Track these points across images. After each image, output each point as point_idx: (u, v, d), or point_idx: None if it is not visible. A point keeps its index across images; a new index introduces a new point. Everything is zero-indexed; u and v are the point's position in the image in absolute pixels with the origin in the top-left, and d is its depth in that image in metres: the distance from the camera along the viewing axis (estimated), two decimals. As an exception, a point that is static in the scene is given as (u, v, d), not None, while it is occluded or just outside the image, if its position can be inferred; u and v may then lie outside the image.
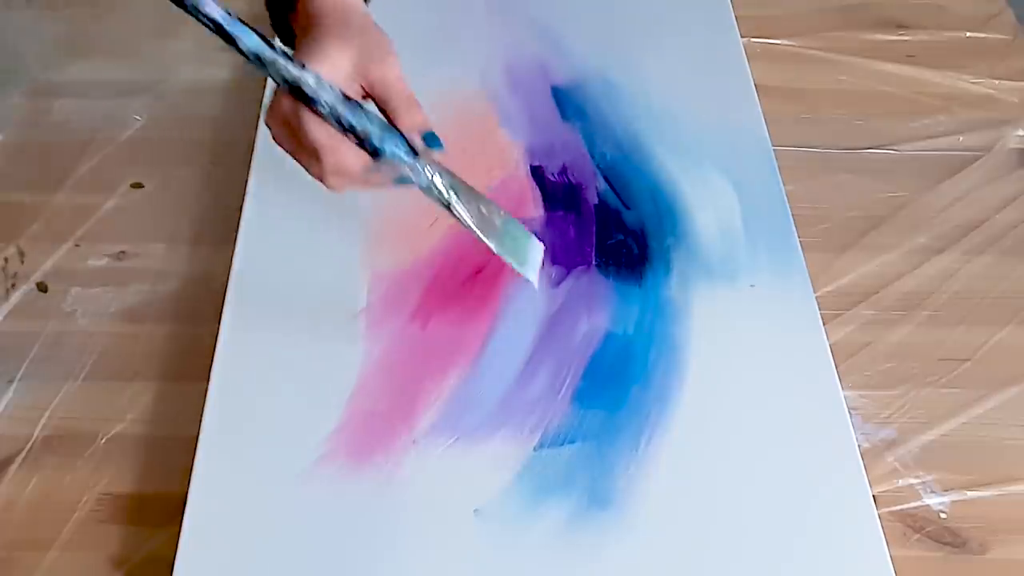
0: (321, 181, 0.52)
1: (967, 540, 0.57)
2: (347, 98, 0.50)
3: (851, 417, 0.61)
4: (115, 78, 0.82)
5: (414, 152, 0.51)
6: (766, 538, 0.55)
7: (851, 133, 0.81)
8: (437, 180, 0.53)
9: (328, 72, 0.50)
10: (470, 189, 0.55)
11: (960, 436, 0.62)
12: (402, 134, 0.51)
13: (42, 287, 0.68)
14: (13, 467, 0.59)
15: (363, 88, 0.52)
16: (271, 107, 0.52)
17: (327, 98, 0.49)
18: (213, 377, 0.60)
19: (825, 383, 0.62)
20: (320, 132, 0.50)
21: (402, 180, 0.52)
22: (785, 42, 0.88)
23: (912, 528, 0.58)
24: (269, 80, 0.50)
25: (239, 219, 0.69)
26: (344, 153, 0.50)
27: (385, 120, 0.52)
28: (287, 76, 0.48)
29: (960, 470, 0.60)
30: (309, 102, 0.49)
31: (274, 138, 0.53)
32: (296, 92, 0.49)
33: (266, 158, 0.71)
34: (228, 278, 0.65)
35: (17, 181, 0.75)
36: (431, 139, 0.52)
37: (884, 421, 0.62)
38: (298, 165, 0.52)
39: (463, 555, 0.54)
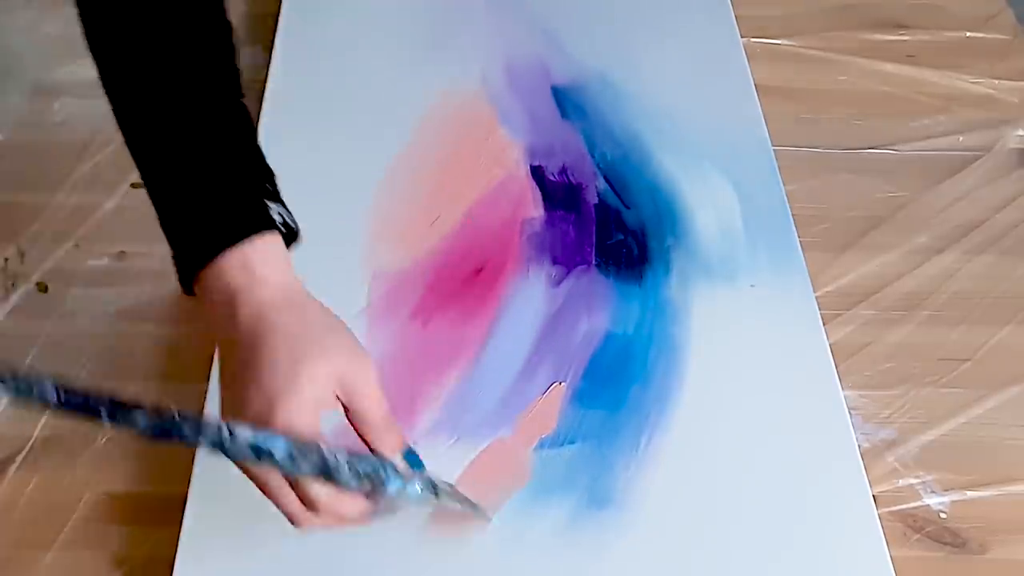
0: (296, 521, 0.46)
1: (967, 540, 0.57)
2: (352, 454, 0.45)
3: (851, 417, 0.61)
4: (115, 78, 0.82)
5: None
6: (766, 538, 0.55)
7: (851, 133, 0.81)
8: (420, 488, 0.48)
9: (309, 395, 0.44)
10: (448, 486, 0.51)
11: (960, 436, 0.62)
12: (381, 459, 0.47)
13: (42, 287, 0.68)
14: (13, 467, 0.59)
15: (338, 398, 0.46)
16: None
17: (344, 477, 0.44)
18: (213, 377, 0.60)
19: (825, 383, 0.62)
20: (321, 491, 0.45)
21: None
22: (785, 42, 0.88)
23: (912, 528, 0.58)
24: None
25: (239, 219, 0.69)
26: (345, 505, 0.46)
27: (370, 454, 0.47)
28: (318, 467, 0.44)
29: (960, 470, 0.60)
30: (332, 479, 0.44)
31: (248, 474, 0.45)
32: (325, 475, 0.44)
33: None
34: (228, 278, 0.65)
35: (17, 181, 0.75)
36: (411, 458, 0.48)
37: (884, 421, 0.62)
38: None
39: (463, 555, 0.54)
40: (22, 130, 0.78)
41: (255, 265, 0.46)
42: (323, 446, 0.44)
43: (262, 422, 0.43)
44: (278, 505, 0.45)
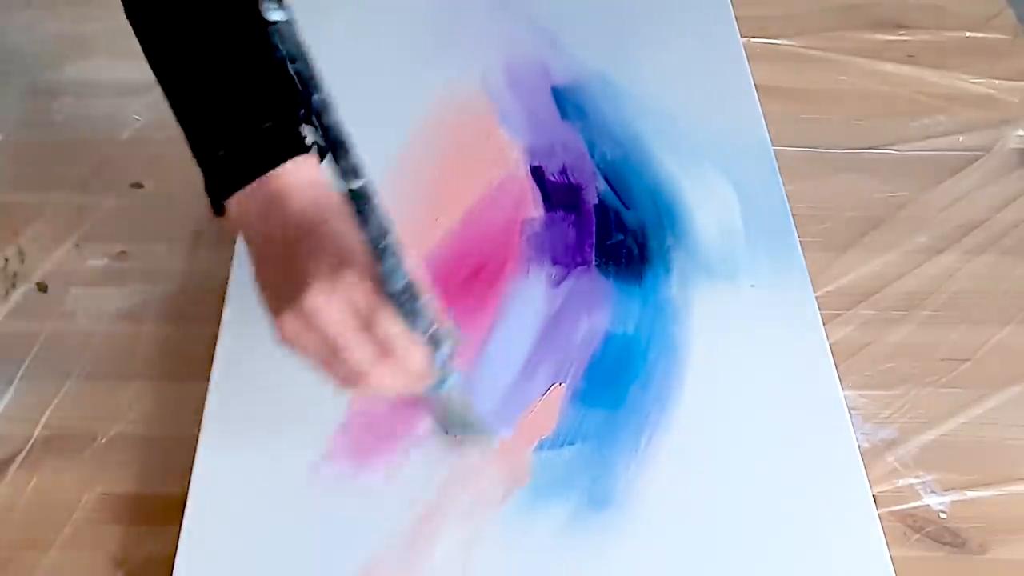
0: (357, 382, 0.46)
1: (967, 540, 0.57)
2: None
3: (851, 417, 0.61)
4: (115, 78, 0.82)
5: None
6: (766, 538, 0.55)
7: (851, 133, 0.81)
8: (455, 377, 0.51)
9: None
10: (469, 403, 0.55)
11: (960, 436, 0.62)
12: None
13: (42, 287, 0.68)
14: (13, 467, 0.59)
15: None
16: (328, 287, 0.45)
17: (423, 317, 0.46)
18: (213, 377, 0.60)
19: (825, 383, 0.62)
20: (394, 323, 0.46)
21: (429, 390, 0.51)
22: (785, 42, 0.88)
23: (912, 528, 0.58)
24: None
25: (239, 219, 0.69)
26: (413, 354, 0.47)
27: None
28: (377, 245, 0.44)
29: (960, 470, 0.60)
30: (387, 287, 0.45)
31: (294, 335, 0.46)
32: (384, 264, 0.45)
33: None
34: (228, 278, 0.65)
35: (17, 181, 0.75)
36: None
37: (884, 421, 0.62)
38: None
39: (463, 556, 0.54)
40: (22, 130, 0.78)
41: (292, 179, 0.49)
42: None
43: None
44: (344, 354, 0.45)
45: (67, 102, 0.80)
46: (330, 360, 0.46)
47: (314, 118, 0.42)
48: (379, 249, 0.44)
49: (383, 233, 0.44)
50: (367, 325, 0.45)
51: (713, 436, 0.59)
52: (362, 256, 0.46)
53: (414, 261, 0.46)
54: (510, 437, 0.59)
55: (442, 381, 0.50)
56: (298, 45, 0.41)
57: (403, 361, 0.46)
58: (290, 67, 0.41)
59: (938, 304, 0.69)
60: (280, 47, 0.41)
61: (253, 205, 0.49)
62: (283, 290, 0.46)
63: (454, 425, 0.58)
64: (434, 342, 0.48)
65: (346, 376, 0.46)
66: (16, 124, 0.79)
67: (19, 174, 0.75)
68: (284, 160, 0.49)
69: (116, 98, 0.81)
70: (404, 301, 0.46)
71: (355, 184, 0.43)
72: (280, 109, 0.50)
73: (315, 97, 0.42)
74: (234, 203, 0.49)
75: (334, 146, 0.43)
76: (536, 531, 0.55)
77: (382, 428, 0.59)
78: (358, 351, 0.45)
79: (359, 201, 0.43)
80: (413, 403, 0.55)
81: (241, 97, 0.51)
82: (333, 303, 0.45)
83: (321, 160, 0.50)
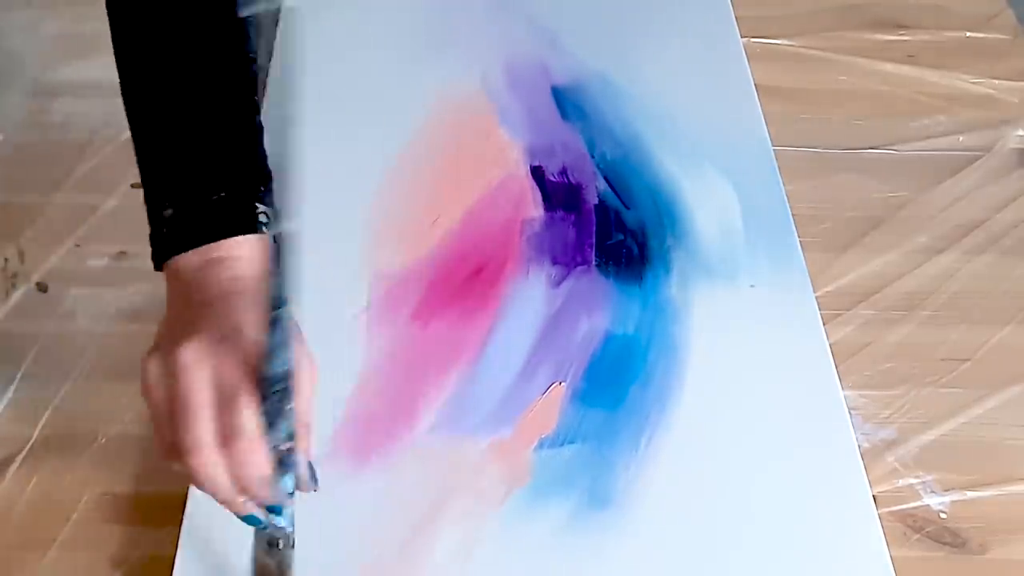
0: (183, 456, 0.42)
1: (967, 540, 0.57)
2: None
3: (851, 417, 0.61)
4: (115, 78, 0.82)
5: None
6: (766, 538, 0.55)
7: (851, 133, 0.81)
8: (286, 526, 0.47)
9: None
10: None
11: (960, 436, 0.62)
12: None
13: (42, 287, 0.68)
14: (13, 467, 0.59)
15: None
16: (206, 350, 0.42)
17: (285, 423, 0.42)
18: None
19: (825, 383, 0.62)
20: (253, 417, 0.42)
21: (254, 518, 0.46)
22: (785, 42, 0.88)
23: (912, 528, 0.58)
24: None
25: (239, 219, 0.69)
26: (260, 456, 0.43)
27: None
28: (274, 311, 0.42)
29: (960, 470, 0.60)
30: (265, 366, 0.42)
31: (151, 381, 0.43)
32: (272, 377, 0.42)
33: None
34: (228, 278, 0.65)
35: (17, 181, 0.75)
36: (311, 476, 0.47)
37: (884, 421, 0.62)
38: None
39: (463, 555, 0.54)
40: (22, 130, 0.78)
41: (233, 252, 0.47)
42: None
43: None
44: (184, 421, 0.42)
45: (67, 102, 0.80)
46: (168, 421, 0.43)
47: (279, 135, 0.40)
48: (273, 316, 0.42)
49: (283, 300, 0.42)
50: (224, 405, 0.42)
51: (713, 436, 0.59)
52: (256, 344, 0.43)
53: (305, 381, 0.44)
54: (510, 437, 0.59)
55: (271, 510, 0.45)
56: (286, 47, 0.40)
57: (240, 458, 0.42)
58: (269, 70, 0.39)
59: (938, 304, 0.69)
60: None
61: (189, 266, 0.47)
62: (168, 337, 0.44)
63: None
64: (283, 464, 0.44)
65: (174, 446, 0.42)
66: (16, 124, 0.79)
67: (19, 174, 0.75)
68: (230, 235, 0.47)
69: (116, 98, 0.80)
70: (274, 394, 0.42)
71: (284, 226, 0.41)
72: (238, 182, 0.49)
73: (284, 111, 0.40)
74: (173, 262, 0.47)
75: (272, 177, 0.41)
76: (536, 531, 0.55)
77: (382, 427, 0.59)
78: (200, 425, 0.42)
79: (282, 248, 0.42)
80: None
81: (202, 162, 0.49)
82: (202, 367, 0.42)
83: (274, 241, 0.48)
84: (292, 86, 0.39)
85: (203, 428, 0.42)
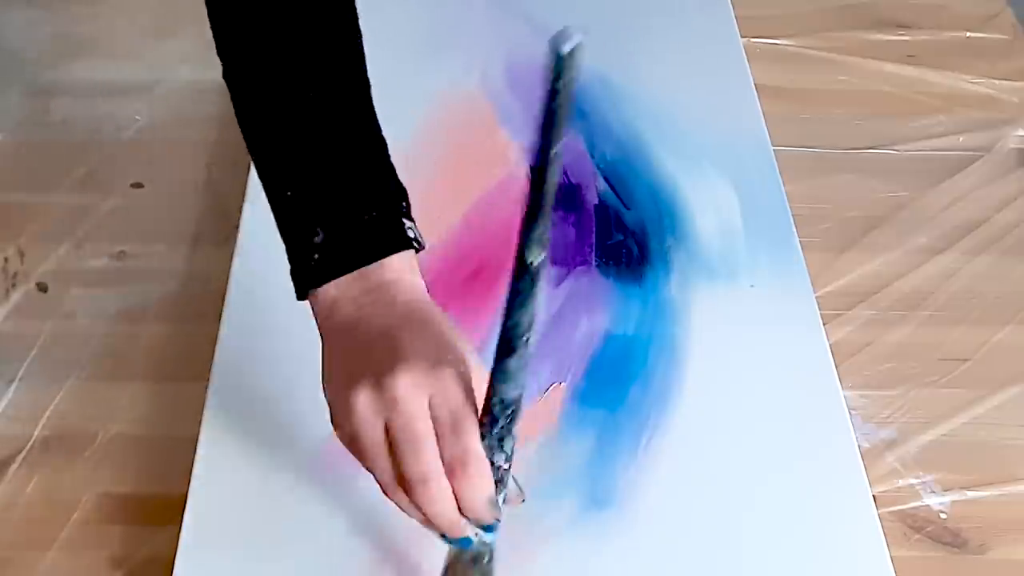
0: (414, 490, 0.41)
1: (967, 540, 0.57)
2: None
3: (851, 417, 0.61)
4: (115, 78, 0.83)
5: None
6: (766, 538, 0.55)
7: (851, 133, 0.81)
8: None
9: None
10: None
11: (960, 436, 0.62)
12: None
13: (42, 287, 0.68)
14: (13, 467, 0.59)
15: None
16: (422, 376, 0.41)
17: (515, 395, 0.41)
18: (213, 377, 0.60)
19: (825, 383, 0.62)
20: (479, 442, 0.41)
21: (467, 540, 0.44)
22: (785, 42, 0.88)
23: (912, 528, 0.58)
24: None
25: (239, 219, 0.69)
26: (489, 480, 0.42)
27: None
28: (518, 339, 0.40)
29: (960, 470, 0.60)
30: (500, 391, 0.41)
31: (363, 416, 0.42)
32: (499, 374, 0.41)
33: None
34: (228, 278, 0.65)
35: (17, 181, 0.75)
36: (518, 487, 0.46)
37: (884, 421, 0.62)
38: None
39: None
40: (22, 130, 0.79)
41: (393, 274, 0.46)
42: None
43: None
44: (412, 455, 0.41)
45: (67, 102, 0.80)
46: (387, 457, 0.42)
47: (538, 169, 0.39)
48: (515, 343, 0.41)
49: (528, 328, 0.40)
50: (448, 431, 0.41)
51: (713, 436, 0.59)
52: (462, 361, 0.42)
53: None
54: None
55: (487, 529, 0.44)
56: (570, 84, 0.38)
57: (472, 483, 0.41)
58: (552, 102, 0.38)
59: (938, 304, 0.69)
60: (557, 79, 0.38)
61: (348, 290, 0.45)
62: (366, 369, 0.42)
63: None
64: (500, 483, 0.43)
65: (403, 480, 0.41)
66: (16, 124, 0.79)
67: (19, 174, 0.75)
68: (388, 254, 0.46)
69: (116, 98, 0.81)
70: (503, 417, 0.42)
71: (537, 258, 0.40)
72: (384, 200, 0.48)
73: (553, 149, 0.38)
74: (326, 287, 0.46)
75: (540, 207, 0.39)
76: (536, 531, 0.55)
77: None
78: (429, 453, 0.40)
79: (529, 279, 0.40)
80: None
81: (345, 183, 0.47)
82: (421, 394, 0.41)
83: (417, 252, 0.48)
84: (564, 122, 0.38)
85: (431, 458, 0.41)
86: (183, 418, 0.59)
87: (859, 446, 0.59)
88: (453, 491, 0.41)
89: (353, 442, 0.43)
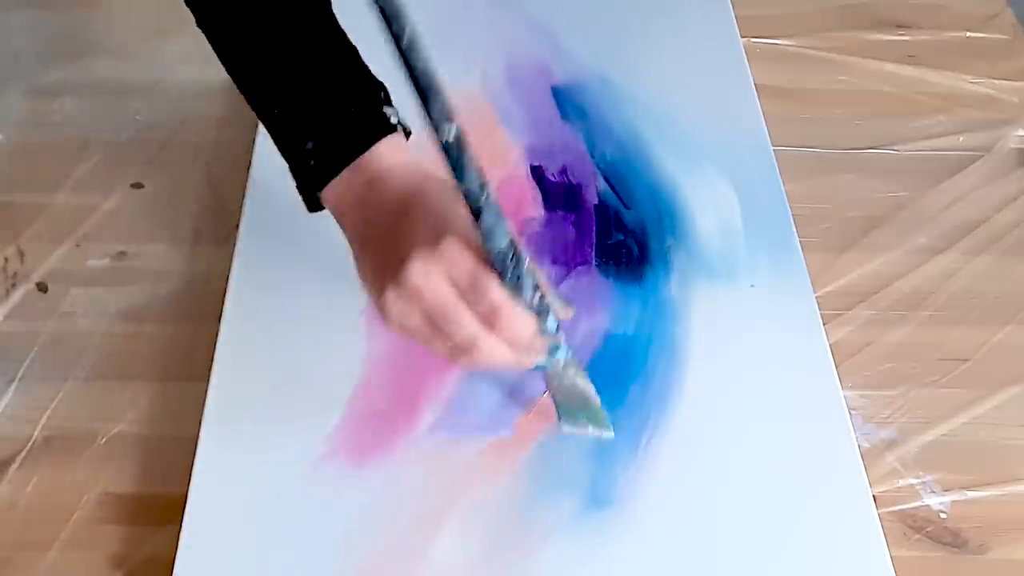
0: (466, 355, 0.46)
1: (967, 540, 0.57)
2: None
3: (851, 417, 0.61)
4: (115, 78, 0.82)
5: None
6: (766, 538, 0.55)
7: (851, 133, 0.81)
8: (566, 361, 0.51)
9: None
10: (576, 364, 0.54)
11: (960, 436, 0.62)
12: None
13: (42, 287, 0.68)
14: (13, 467, 0.59)
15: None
16: (428, 259, 0.44)
17: (528, 283, 0.45)
18: (213, 377, 0.60)
19: (825, 383, 0.62)
20: (500, 291, 0.44)
21: (540, 365, 0.50)
22: (785, 42, 0.88)
23: (912, 528, 0.58)
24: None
25: (239, 219, 0.69)
26: (524, 319, 0.46)
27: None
28: (476, 201, 0.43)
29: (960, 470, 0.60)
30: (489, 246, 0.44)
31: (401, 312, 0.45)
32: (487, 233, 0.44)
33: (266, 158, 0.71)
34: (228, 278, 0.65)
35: (17, 181, 0.75)
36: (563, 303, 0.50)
37: (884, 421, 0.62)
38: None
39: (463, 555, 0.54)
40: (22, 130, 0.78)
41: (385, 161, 0.49)
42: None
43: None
44: (450, 327, 0.45)
45: (67, 102, 0.80)
46: (437, 334, 0.45)
47: (402, 59, 0.41)
48: (478, 204, 0.43)
49: (481, 186, 0.43)
50: (471, 294, 0.44)
51: (713, 436, 0.59)
52: (463, 223, 0.45)
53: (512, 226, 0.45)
54: (510, 437, 0.59)
55: (552, 351, 0.49)
56: None
57: (511, 331, 0.45)
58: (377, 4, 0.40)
59: (938, 304, 0.69)
60: None
61: (350, 192, 0.49)
62: (385, 268, 0.46)
63: (574, 404, 0.56)
64: (540, 311, 0.47)
65: (454, 349, 0.46)
66: (16, 124, 0.79)
67: (19, 174, 0.75)
68: (374, 142, 0.49)
69: (116, 98, 0.81)
70: (508, 264, 0.45)
71: (449, 132, 0.42)
72: (362, 92, 0.51)
73: (403, 36, 0.41)
74: (330, 193, 0.50)
75: (424, 90, 0.41)
76: (536, 531, 0.55)
77: (382, 427, 0.59)
78: (464, 322, 0.45)
79: (453, 151, 0.43)
80: (421, 394, 0.54)
81: (322, 86, 0.51)
82: (434, 274, 0.44)
83: (407, 137, 0.51)
84: (400, 8, 0.41)
85: (469, 324, 0.45)
86: (183, 418, 0.59)
87: (859, 446, 0.59)
88: (501, 339, 0.45)
89: (403, 333, 0.46)
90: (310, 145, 0.50)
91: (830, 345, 0.64)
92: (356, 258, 0.49)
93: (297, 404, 0.59)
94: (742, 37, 0.86)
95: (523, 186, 0.72)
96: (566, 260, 0.68)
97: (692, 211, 0.71)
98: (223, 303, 0.64)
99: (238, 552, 0.54)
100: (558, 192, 0.72)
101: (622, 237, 0.70)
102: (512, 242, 0.45)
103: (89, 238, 0.71)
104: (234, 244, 0.67)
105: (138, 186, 0.74)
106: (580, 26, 0.85)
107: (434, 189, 0.48)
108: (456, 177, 0.43)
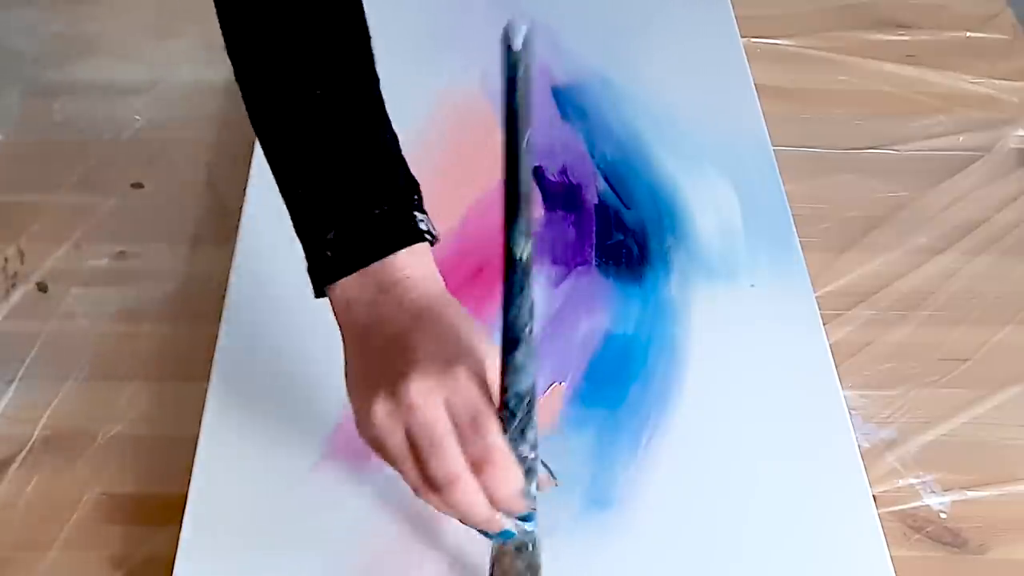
0: (442, 489, 0.42)
1: (967, 540, 0.57)
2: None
3: (851, 417, 0.61)
4: (115, 78, 0.83)
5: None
6: (766, 538, 0.55)
7: (851, 133, 0.81)
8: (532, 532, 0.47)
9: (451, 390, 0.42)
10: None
11: (960, 436, 0.62)
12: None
13: (42, 287, 0.68)
14: (13, 467, 0.59)
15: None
16: (435, 380, 0.42)
17: (530, 436, 0.43)
18: (213, 377, 0.60)
19: (825, 383, 0.62)
20: (500, 436, 0.42)
21: (508, 532, 0.46)
22: (785, 42, 0.88)
23: (912, 528, 0.58)
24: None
25: (239, 219, 0.69)
26: (517, 471, 0.43)
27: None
28: (519, 332, 0.41)
29: (960, 470, 0.60)
30: (510, 383, 0.42)
31: (383, 425, 0.42)
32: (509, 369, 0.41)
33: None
34: (228, 278, 0.65)
35: (17, 181, 0.75)
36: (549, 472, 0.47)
37: (884, 421, 0.62)
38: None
39: (463, 555, 0.54)
40: (22, 130, 0.79)
41: (406, 270, 0.46)
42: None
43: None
44: (435, 457, 0.41)
45: (67, 102, 0.80)
46: (415, 460, 0.42)
47: (512, 159, 0.39)
48: (518, 336, 0.41)
49: (528, 318, 0.41)
50: (469, 430, 0.42)
51: (713, 436, 0.59)
52: (477, 355, 0.43)
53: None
54: None
55: (524, 519, 0.46)
56: (526, 75, 0.38)
57: (498, 481, 0.42)
58: (510, 96, 0.38)
59: (938, 304, 0.69)
60: (511, 71, 0.38)
61: (362, 291, 0.46)
62: (382, 377, 0.43)
63: None
64: (528, 472, 0.44)
65: (430, 481, 0.42)
66: (16, 124, 0.79)
67: (19, 174, 0.75)
68: (399, 248, 0.46)
69: (116, 98, 0.81)
70: (520, 410, 0.42)
71: (524, 249, 0.39)
72: (395, 194, 0.48)
73: (524, 138, 0.39)
74: (341, 287, 0.46)
75: (518, 198, 0.39)
76: (536, 531, 0.55)
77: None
78: (450, 455, 0.41)
79: (519, 269, 0.40)
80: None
81: (354, 177, 0.47)
82: (435, 396, 0.42)
83: (432, 244, 0.48)
84: (529, 113, 0.39)
85: (454, 459, 0.42)
86: (183, 418, 0.59)
87: (859, 446, 0.59)
88: (483, 487, 0.42)
89: (379, 449, 0.44)
90: (331, 235, 0.46)
91: (830, 345, 0.64)
92: (348, 360, 0.47)
93: (297, 404, 0.59)
94: (742, 37, 0.86)
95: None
96: (566, 260, 0.68)
97: (692, 211, 0.71)
98: (223, 303, 0.64)
99: (238, 552, 0.54)
100: (558, 192, 0.72)
101: (622, 237, 0.70)
102: (532, 388, 0.42)
103: (89, 238, 0.71)
104: (234, 244, 0.67)
105: (138, 186, 0.74)
106: (580, 26, 0.85)
107: (452, 310, 0.45)
108: (511, 297, 0.40)
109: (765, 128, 0.77)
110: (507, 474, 0.42)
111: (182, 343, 0.64)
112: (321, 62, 0.48)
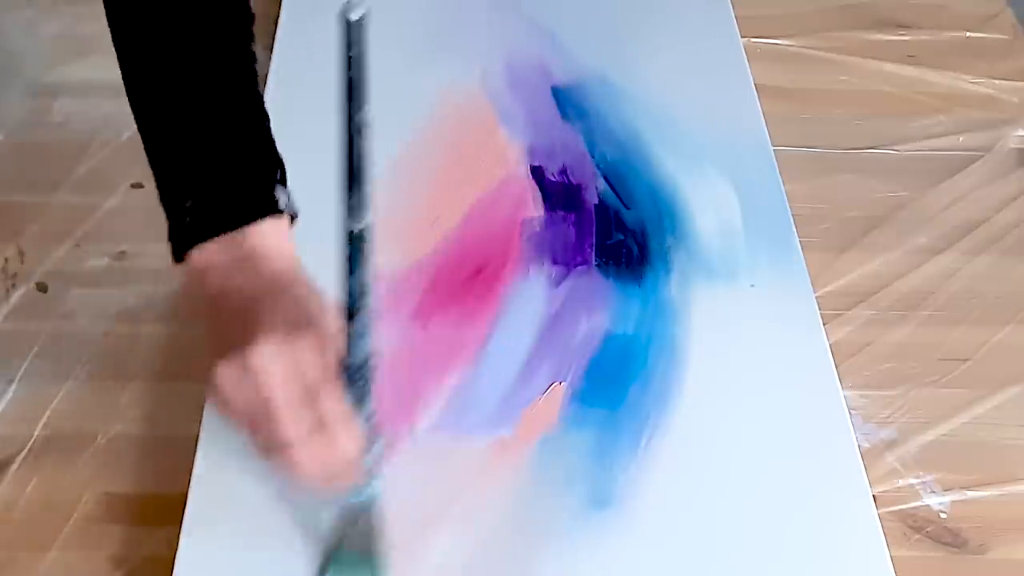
0: (281, 453, 0.43)
1: (967, 540, 0.57)
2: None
3: (851, 417, 0.61)
4: (115, 78, 0.81)
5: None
6: (766, 538, 0.55)
7: (851, 133, 0.81)
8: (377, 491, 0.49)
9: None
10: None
11: (960, 436, 0.62)
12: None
13: (42, 287, 0.68)
14: (13, 467, 0.59)
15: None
16: (279, 346, 0.43)
17: (366, 397, 0.45)
18: (213, 377, 0.60)
19: (825, 383, 0.62)
20: (340, 402, 0.43)
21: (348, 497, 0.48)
22: (785, 42, 0.88)
23: (912, 528, 0.58)
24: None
25: (239, 219, 0.69)
26: (355, 437, 0.44)
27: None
28: (356, 301, 0.43)
29: (960, 470, 0.60)
30: (349, 350, 0.44)
31: (228, 390, 0.43)
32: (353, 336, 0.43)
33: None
34: (228, 278, 0.65)
35: (17, 181, 0.75)
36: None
37: (884, 421, 0.62)
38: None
39: (463, 555, 0.54)
40: (22, 130, 0.78)
41: (263, 241, 0.47)
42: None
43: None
44: (275, 422, 0.42)
45: (67, 102, 0.80)
46: (258, 424, 0.43)
47: (347, 135, 0.40)
48: (356, 305, 0.43)
49: (365, 290, 0.42)
50: (310, 397, 0.43)
51: (713, 436, 0.59)
52: (324, 329, 0.44)
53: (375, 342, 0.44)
54: (510, 437, 0.59)
55: (366, 484, 0.48)
56: (363, 52, 0.39)
57: (338, 442, 0.43)
58: (348, 72, 0.39)
59: (938, 304, 0.69)
60: (350, 48, 0.39)
61: (218, 259, 0.47)
62: (228, 343, 0.43)
63: (356, 552, 0.52)
64: (369, 437, 0.46)
65: (269, 445, 0.43)
66: (16, 124, 0.79)
67: (19, 174, 0.75)
68: (257, 219, 0.47)
69: (116, 98, 0.80)
70: (359, 377, 0.44)
71: (359, 224, 0.41)
72: (258, 166, 0.49)
73: (359, 114, 0.40)
74: (198, 254, 0.47)
75: (354, 175, 0.41)
76: (536, 531, 0.55)
77: (382, 427, 0.58)
78: (292, 420, 0.43)
79: (358, 242, 0.42)
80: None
81: (219, 147, 0.49)
82: (279, 363, 0.42)
83: (292, 223, 0.50)
84: (364, 89, 0.40)
85: (294, 424, 0.43)
86: (183, 418, 0.59)
87: (859, 446, 0.59)
88: (322, 451, 0.43)
89: (224, 413, 0.45)
90: (189, 203, 0.48)
91: (830, 345, 0.64)
92: (206, 325, 0.47)
93: (297, 404, 0.59)
94: (742, 37, 0.86)
95: (523, 186, 0.72)
96: (566, 260, 0.68)
97: (692, 211, 0.71)
98: (223, 303, 0.64)
99: (238, 552, 0.54)
100: (558, 192, 0.72)
101: (622, 237, 0.70)
102: (369, 358, 0.44)
103: (89, 238, 0.71)
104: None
105: (138, 186, 0.74)
106: (580, 26, 0.85)
107: (302, 283, 0.47)
108: (350, 269, 0.42)
109: (765, 128, 0.77)
110: (346, 437, 0.44)
111: (182, 343, 0.64)
112: (197, 39, 0.50)
